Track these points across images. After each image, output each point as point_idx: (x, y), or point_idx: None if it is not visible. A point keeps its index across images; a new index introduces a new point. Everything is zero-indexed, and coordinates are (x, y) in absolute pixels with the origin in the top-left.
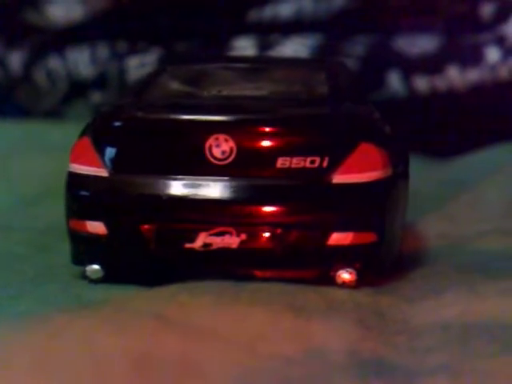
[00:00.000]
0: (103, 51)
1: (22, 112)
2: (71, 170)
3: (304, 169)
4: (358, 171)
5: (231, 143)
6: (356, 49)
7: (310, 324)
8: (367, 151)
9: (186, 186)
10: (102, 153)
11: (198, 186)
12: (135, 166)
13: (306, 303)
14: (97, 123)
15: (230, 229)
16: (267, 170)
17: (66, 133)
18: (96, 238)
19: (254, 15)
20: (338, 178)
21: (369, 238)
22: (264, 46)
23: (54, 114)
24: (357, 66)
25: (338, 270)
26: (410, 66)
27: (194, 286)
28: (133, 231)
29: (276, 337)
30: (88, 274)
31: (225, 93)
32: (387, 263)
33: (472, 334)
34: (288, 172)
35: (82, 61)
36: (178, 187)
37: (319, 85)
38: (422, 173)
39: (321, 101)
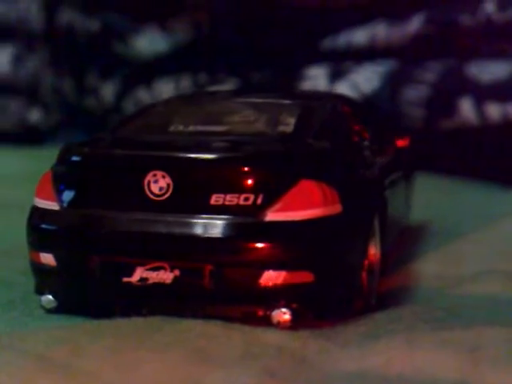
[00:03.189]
0: (186, 82)
1: None
2: (34, 203)
3: (237, 206)
4: (295, 208)
5: (168, 179)
6: (428, 75)
7: (208, 374)
8: (307, 189)
9: (126, 220)
10: (57, 187)
11: (137, 220)
12: (82, 201)
13: (220, 349)
14: (57, 158)
15: (165, 264)
16: (201, 206)
17: None
18: (48, 269)
19: (327, 44)
20: (271, 216)
21: (304, 277)
22: (336, 73)
23: None
24: (429, 93)
25: (273, 309)
26: (483, 93)
27: (101, 326)
28: (78, 264)
29: None
30: (43, 303)
31: (190, 128)
32: (329, 304)
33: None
34: (221, 209)
35: (166, 92)
36: (119, 222)
37: (288, 122)
38: (480, 202)
39: (274, 139)
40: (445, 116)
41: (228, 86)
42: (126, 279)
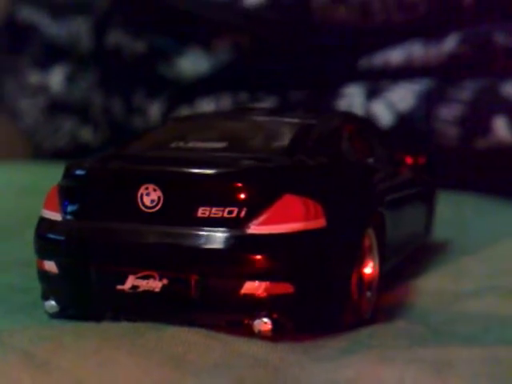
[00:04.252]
0: (226, 101)
1: None
2: (41, 214)
3: (222, 219)
4: (277, 222)
5: (159, 192)
6: (463, 94)
7: (181, 380)
8: (290, 203)
9: (120, 231)
10: (61, 199)
11: (130, 231)
12: (81, 212)
13: (197, 356)
14: (64, 172)
15: (154, 273)
16: (188, 218)
17: None
18: (51, 276)
19: (364, 62)
20: (254, 229)
21: (284, 288)
22: (372, 92)
23: None
24: (464, 112)
25: (254, 318)
26: None
27: (87, 327)
28: (77, 271)
29: None
30: (46, 308)
31: (190, 145)
32: (311, 316)
33: None
34: (207, 221)
35: (208, 110)
36: (114, 232)
37: (284, 139)
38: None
39: (266, 155)
40: (480, 135)
41: (266, 104)
42: (119, 287)
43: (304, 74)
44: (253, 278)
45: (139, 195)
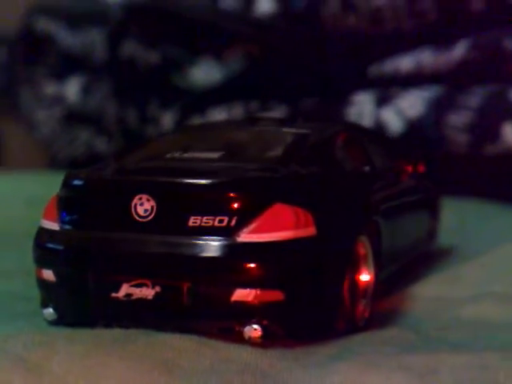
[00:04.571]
0: (238, 110)
1: None
2: (40, 223)
3: (213, 227)
4: (267, 230)
5: (152, 202)
6: (472, 101)
7: (172, 382)
8: (279, 212)
9: (115, 240)
10: (59, 209)
11: (125, 240)
12: (77, 222)
13: (187, 362)
14: (62, 183)
15: (147, 281)
16: (180, 227)
17: None
18: (49, 284)
19: (374, 70)
20: (244, 237)
21: (274, 296)
22: (382, 99)
23: None
24: (473, 119)
25: (245, 325)
26: None
27: (80, 333)
28: (73, 280)
29: None
30: (45, 316)
31: (186, 155)
32: (301, 323)
33: None
34: (198, 230)
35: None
36: (109, 241)
37: (279, 149)
38: None
39: (259, 165)
40: (489, 141)
41: (277, 113)
42: (113, 294)
43: (315, 82)
44: (243, 285)
45: (133, 205)
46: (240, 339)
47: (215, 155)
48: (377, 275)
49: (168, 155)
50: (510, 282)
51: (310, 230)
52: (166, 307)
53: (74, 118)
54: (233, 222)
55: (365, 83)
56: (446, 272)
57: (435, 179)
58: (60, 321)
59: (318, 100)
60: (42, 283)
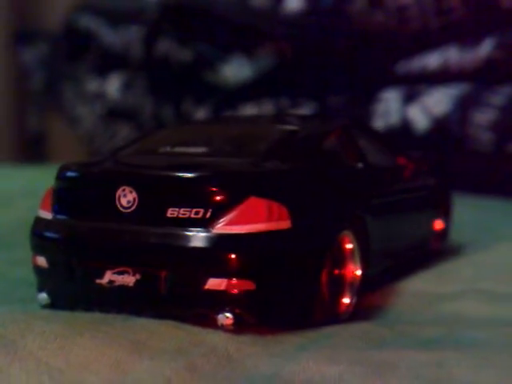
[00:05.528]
0: (268, 107)
1: None
2: (37, 213)
3: (189, 219)
4: (241, 223)
5: (134, 194)
6: (498, 99)
7: (136, 363)
8: (253, 205)
9: (100, 229)
10: (53, 200)
11: (109, 230)
12: (67, 211)
13: (158, 343)
14: (56, 174)
15: (128, 269)
16: (159, 218)
17: None
18: (42, 270)
19: (402, 67)
20: (218, 228)
21: (246, 285)
22: (409, 96)
23: None
24: (498, 117)
25: (218, 313)
26: None
27: (58, 314)
28: (62, 266)
29: (95, 368)
30: (39, 300)
31: (175, 150)
32: (272, 312)
33: None
34: (175, 221)
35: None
36: (94, 230)
37: (264, 144)
38: None
39: (241, 160)
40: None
41: (306, 109)
42: (98, 281)
43: (342, 79)
44: (216, 274)
45: (117, 196)
46: (215, 325)
47: (202, 150)
48: (364, 270)
49: (161, 149)
50: (499, 280)
51: (285, 224)
52: (146, 294)
53: (114, 114)
54: (208, 214)
55: (391, 80)
56: (437, 268)
57: (454, 176)
58: (53, 305)
59: (345, 97)
60: (37, 269)
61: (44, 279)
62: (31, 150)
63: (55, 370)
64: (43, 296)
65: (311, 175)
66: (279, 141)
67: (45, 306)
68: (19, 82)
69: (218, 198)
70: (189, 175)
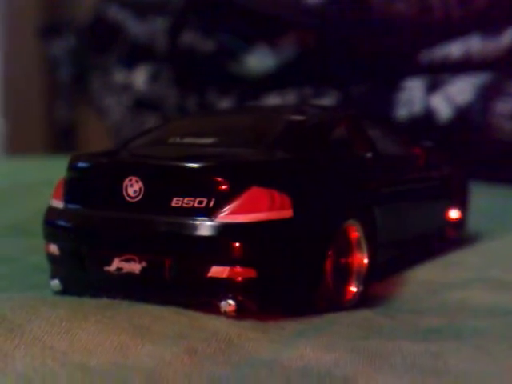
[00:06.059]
0: (291, 96)
1: None
2: (50, 202)
3: (193, 208)
4: (243, 212)
5: (140, 184)
6: None
7: (138, 346)
8: (255, 194)
9: (108, 218)
10: (65, 189)
11: (117, 218)
12: (77, 201)
13: (160, 328)
14: (67, 165)
15: (135, 256)
16: (164, 207)
17: None
18: (54, 257)
19: (424, 56)
20: (221, 217)
21: (247, 273)
22: (432, 85)
23: None
24: None
25: (221, 299)
26: None
27: (65, 300)
28: (73, 253)
29: (98, 351)
30: (52, 287)
31: (184, 140)
32: (274, 300)
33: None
34: (180, 210)
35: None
36: (103, 219)
37: (270, 135)
38: None
39: (246, 150)
40: None
41: (329, 99)
42: (106, 268)
43: (365, 68)
44: (218, 262)
45: (124, 186)
46: (218, 312)
47: (211, 140)
48: (371, 259)
49: (170, 140)
50: (507, 268)
51: (287, 213)
52: (151, 281)
53: (141, 104)
54: (211, 204)
55: (415, 70)
56: (445, 257)
57: (476, 165)
58: (65, 292)
59: (368, 86)
60: (50, 256)
61: (56, 266)
62: (62, 141)
63: (59, 353)
64: (55, 283)
65: (315, 165)
66: (285, 131)
67: (57, 293)
68: (49, 74)
69: (221, 187)
70: (192, 165)
